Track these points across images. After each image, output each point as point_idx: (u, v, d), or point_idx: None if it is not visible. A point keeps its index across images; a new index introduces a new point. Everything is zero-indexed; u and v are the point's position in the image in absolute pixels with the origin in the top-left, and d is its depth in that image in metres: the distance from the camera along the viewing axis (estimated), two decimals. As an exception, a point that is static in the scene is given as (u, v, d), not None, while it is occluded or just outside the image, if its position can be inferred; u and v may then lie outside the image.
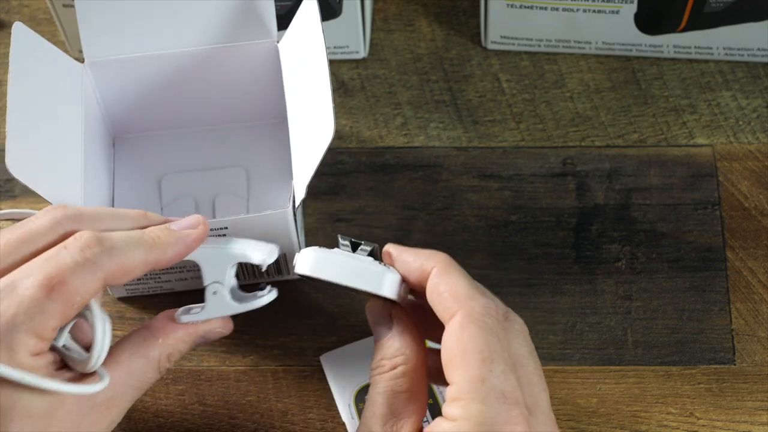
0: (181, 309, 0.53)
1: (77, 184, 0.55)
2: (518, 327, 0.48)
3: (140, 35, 0.59)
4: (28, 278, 0.45)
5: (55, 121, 0.56)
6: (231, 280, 0.53)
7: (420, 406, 0.49)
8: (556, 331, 0.61)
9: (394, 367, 0.49)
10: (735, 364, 0.59)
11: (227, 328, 0.54)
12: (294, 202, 0.55)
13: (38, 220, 0.48)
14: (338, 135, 0.67)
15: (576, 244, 0.63)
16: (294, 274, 0.56)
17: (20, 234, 0.47)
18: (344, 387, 0.58)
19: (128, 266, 0.48)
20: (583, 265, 0.62)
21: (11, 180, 0.65)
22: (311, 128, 0.54)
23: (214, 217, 0.62)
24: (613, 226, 0.63)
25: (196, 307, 0.53)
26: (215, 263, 0.52)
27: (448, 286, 0.48)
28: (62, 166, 0.55)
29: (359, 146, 0.66)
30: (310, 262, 0.51)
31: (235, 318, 0.61)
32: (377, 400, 0.48)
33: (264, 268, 0.54)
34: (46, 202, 0.65)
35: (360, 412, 0.57)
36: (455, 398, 0.45)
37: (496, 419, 0.44)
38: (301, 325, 0.61)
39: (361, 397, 0.57)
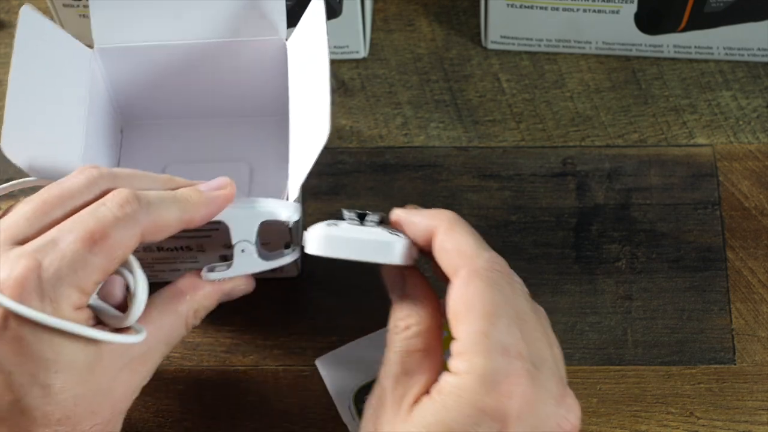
0: (205, 267, 0.54)
1: (74, 169, 0.56)
2: (519, 286, 0.49)
3: (151, 24, 0.60)
4: (70, 233, 0.46)
5: (58, 104, 0.56)
6: (257, 239, 0.54)
7: (434, 365, 0.49)
8: (556, 330, 0.60)
9: (408, 328, 0.49)
10: (735, 364, 0.59)
11: (250, 285, 0.55)
12: (287, 199, 0.55)
13: (74, 179, 0.49)
14: (338, 135, 0.67)
15: (576, 244, 0.63)
16: (289, 272, 0.56)
17: (58, 192, 0.48)
18: (342, 389, 0.58)
19: (164, 223, 0.49)
20: (583, 265, 0.62)
21: (11, 180, 0.65)
22: (309, 127, 0.54)
23: None
24: (613, 226, 0.63)
25: (221, 266, 0.54)
26: (243, 222, 0.53)
27: (453, 243, 0.49)
28: (61, 150, 0.55)
29: (359, 146, 0.66)
30: (318, 240, 0.51)
31: (236, 318, 0.61)
32: (391, 359, 0.49)
33: (290, 225, 0.55)
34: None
35: (360, 412, 0.57)
36: (459, 352, 0.46)
37: (498, 372, 0.45)
38: (301, 325, 0.61)
39: (360, 397, 0.57)
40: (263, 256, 0.54)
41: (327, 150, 0.65)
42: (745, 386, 0.59)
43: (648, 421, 0.58)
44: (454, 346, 0.46)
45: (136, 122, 0.65)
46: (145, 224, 0.48)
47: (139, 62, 0.61)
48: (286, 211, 0.54)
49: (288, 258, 0.56)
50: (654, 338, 0.60)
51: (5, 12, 0.72)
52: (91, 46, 0.60)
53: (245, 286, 0.55)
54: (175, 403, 0.59)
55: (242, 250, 0.53)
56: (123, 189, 0.49)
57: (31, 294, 0.45)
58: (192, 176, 0.63)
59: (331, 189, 0.65)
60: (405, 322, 0.50)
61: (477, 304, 0.46)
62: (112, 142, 0.63)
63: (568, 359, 0.60)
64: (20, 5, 0.72)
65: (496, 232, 0.63)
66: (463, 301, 0.47)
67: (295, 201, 0.55)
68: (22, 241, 0.47)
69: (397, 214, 0.52)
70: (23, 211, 0.48)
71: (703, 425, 0.58)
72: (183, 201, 0.50)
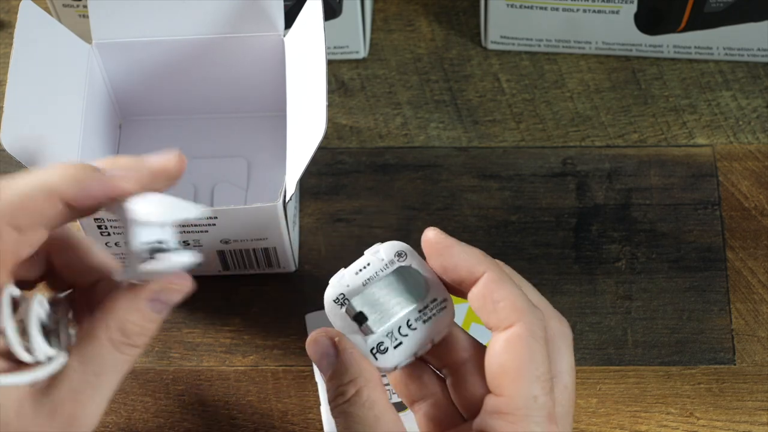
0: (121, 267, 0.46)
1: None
2: (566, 336, 0.48)
3: (149, 20, 0.60)
4: None
5: (57, 99, 0.56)
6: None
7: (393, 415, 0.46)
8: (556, 331, 0.61)
9: (359, 390, 0.45)
10: (735, 364, 0.59)
11: (183, 284, 0.45)
12: (285, 196, 0.55)
13: None
14: (338, 135, 0.67)
15: (576, 244, 0.63)
16: (285, 268, 0.56)
17: None
18: None
19: (30, 204, 0.42)
20: (583, 265, 0.62)
21: (11, 180, 0.65)
22: (305, 125, 0.54)
23: (211, 205, 0.62)
24: (613, 226, 0.63)
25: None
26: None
27: (505, 295, 0.46)
28: (59, 144, 0.56)
29: (359, 146, 0.66)
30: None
31: (235, 318, 0.61)
32: None
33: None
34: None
35: None
36: (505, 413, 0.44)
37: None
38: (301, 325, 0.61)
39: None
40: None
41: (327, 150, 0.65)
42: (745, 386, 0.59)
43: (648, 422, 0.58)
44: (495, 403, 0.45)
45: (134, 118, 0.65)
46: (8, 216, 0.42)
47: (138, 58, 0.61)
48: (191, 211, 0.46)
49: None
50: (654, 338, 0.60)
51: (5, 12, 0.72)
52: (89, 43, 0.60)
53: (177, 286, 0.45)
54: (175, 403, 0.59)
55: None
56: None
57: None
58: (190, 172, 0.63)
59: (331, 189, 0.65)
60: (353, 385, 0.45)
61: (530, 365, 0.44)
62: (109, 137, 0.63)
63: (568, 359, 0.60)
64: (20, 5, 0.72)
65: (496, 232, 0.63)
66: (516, 359, 0.44)
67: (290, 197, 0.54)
68: None
69: (435, 237, 0.47)
70: None
71: (703, 425, 0.58)
72: (52, 176, 0.43)
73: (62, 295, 0.47)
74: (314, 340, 0.46)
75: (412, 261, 0.47)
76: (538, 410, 0.44)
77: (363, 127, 0.67)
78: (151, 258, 0.44)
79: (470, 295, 0.46)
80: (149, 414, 0.59)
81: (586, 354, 0.60)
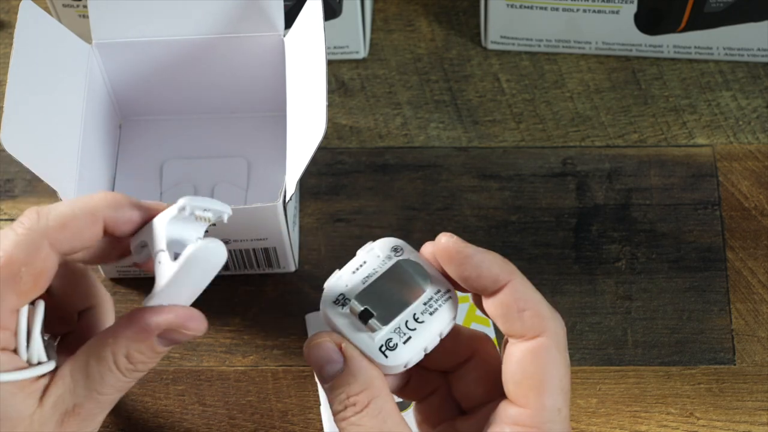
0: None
1: (73, 164, 0.56)
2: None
3: (149, 20, 0.60)
4: None
5: (56, 99, 0.56)
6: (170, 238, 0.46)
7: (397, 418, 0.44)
8: (556, 331, 0.60)
9: (372, 401, 0.44)
10: (735, 364, 0.59)
11: (197, 328, 0.46)
12: (285, 196, 0.55)
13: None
14: (338, 135, 0.67)
15: (576, 244, 0.63)
16: (285, 268, 0.56)
17: None
18: None
19: (73, 226, 0.45)
20: (583, 265, 0.62)
21: (11, 180, 0.65)
22: (305, 125, 0.54)
23: None
24: (613, 226, 0.63)
25: None
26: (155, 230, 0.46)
27: (532, 305, 0.44)
28: (59, 144, 0.56)
29: (359, 146, 0.66)
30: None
31: (235, 318, 0.61)
32: None
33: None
34: (45, 202, 0.65)
35: None
36: (529, 426, 0.44)
37: None
38: (301, 325, 0.61)
39: None
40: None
41: (327, 150, 0.65)
42: (745, 386, 0.59)
43: (648, 422, 0.58)
44: (517, 414, 0.44)
45: (134, 117, 0.65)
46: (51, 232, 0.44)
47: (138, 58, 0.61)
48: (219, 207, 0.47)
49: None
50: (654, 338, 0.60)
51: (5, 12, 0.72)
52: (89, 43, 0.60)
53: (187, 329, 0.46)
54: (175, 403, 0.59)
55: (159, 262, 0.45)
56: (27, 210, 0.45)
57: None
58: (190, 171, 0.63)
59: (331, 189, 0.65)
60: (362, 396, 0.44)
61: (555, 376, 0.44)
62: (110, 137, 0.63)
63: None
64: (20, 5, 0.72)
65: (496, 232, 0.63)
66: (540, 370, 0.44)
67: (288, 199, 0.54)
68: None
69: (455, 246, 0.45)
70: None
71: (703, 425, 0.58)
72: (97, 199, 0.46)
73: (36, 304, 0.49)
74: (317, 344, 0.44)
75: (409, 255, 0.46)
76: (561, 423, 0.44)
77: (363, 127, 0.67)
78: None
79: (491, 301, 0.45)
80: (149, 414, 0.59)
81: (586, 354, 0.60)
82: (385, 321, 0.44)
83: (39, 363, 0.45)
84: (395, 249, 0.46)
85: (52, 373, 0.46)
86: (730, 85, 0.68)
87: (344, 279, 0.46)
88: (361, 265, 0.46)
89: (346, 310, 0.45)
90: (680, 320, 0.61)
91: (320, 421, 0.58)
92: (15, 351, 0.45)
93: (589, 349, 0.60)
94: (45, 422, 0.44)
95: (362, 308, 0.44)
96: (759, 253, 0.62)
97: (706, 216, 0.64)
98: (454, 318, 0.46)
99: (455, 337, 0.47)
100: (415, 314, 0.45)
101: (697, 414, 0.58)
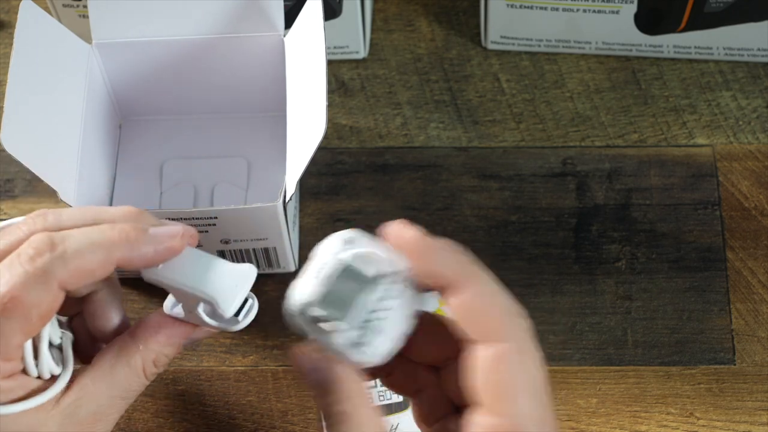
0: (168, 299, 0.49)
1: (73, 164, 0.56)
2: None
3: (149, 20, 0.60)
4: None
5: (56, 99, 0.56)
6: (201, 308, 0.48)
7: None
8: (556, 331, 0.61)
9: (347, 413, 0.43)
10: (735, 364, 0.59)
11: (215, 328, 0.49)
12: (285, 196, 0.55)
13: (18, 231, 0.45)
14: (338, 135, 0.67)
15: (576, 244, 0.63)
16: (285, 268, 0.55)
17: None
18: None
19: (87, 268, 0.44)
20: (583, 265, 0.62)
21: (11, 180, 0.65)
22: (305, 125, 0.54)
23: (211, 205, 0.62)
24: (613, 226, 0.63)
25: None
26: (182, 299, 0.48)
27: (495, 310, 0.43)
28: (59, 144, 0.56)
29: (359, 146, 0.66)
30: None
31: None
32: None
33: (227, 316, 0.48)
34: (46, 202, 0.65)
35: None
36: None
37: None
38: (301, 325, 0.61)
39: None
40: (216, 317, 0.49)
41: (327, 150, 0.65)
42: (745, 386, 0.59)
43: (648, 422, 0.58)
44: (492, 424, 0.42)
45: (134, 118, 0.65)
46: (62, 275, 0.44)
47: (138, 58, 0.61)
48: (227, 304, 0.47)
49: (243, 323, 0.49)
50: (654, 338, 0.60)
51: (5, 12, 0.72)
52: (89, 43, 0.60)
53: (213, 330, 0.50)
54: (175, 403, 0.59)
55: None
56: (39, 234, 0.44)
57: None
58: (190, 171, 0.63)
59: (331, 189, 0.65)
60: (349, 403, 0.43)
61: (526, 383, 0.42)
62: (109, 137, 0.63)
63: (568, 360, 0.60)
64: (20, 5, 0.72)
65: (496, 232, 0.63)
66: (511, 377, 0.42)
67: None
68: None
69: (410, 237, 0.43)
70: None
71: (703, 425, 0.58)
72: (113, 238, 0.45)
73: (65, 319, 0.50)
74: (300, 351, 0.44)
75: (362, 244, 0.44)
76: (540, 425, 0.42)
77: (363, 127, 0.67)
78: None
79: (453, 302, 0.43)
80: (149, 414, 0.59)
81: (586, 354, 0.60)
82: (352, 318, 0.43)
83: (51, 376, 0.46)
84: (347, 241, 0.45)
85: (70, 381, 0.47)
86: (730, 85, 0.68)
87: (300, 287, 0.44)
88: (316, 269, 0.44)
89: (309, 317, 0.43)
90: (680, 320, 0.61)
91: (320, 420, 0.58)
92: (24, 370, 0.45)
93: (589, 349, 0.60)
94: (63, 424, 0.45)
95: (323, 313, 0.43)
96: (759, 253, 0.62)
97: (706, 216, 0.64)
98: (420, 296, 0.44)
99: (439, 329, 0.46)
100: (382, 302, 0.43)
101: (697, 414, 0.58)
